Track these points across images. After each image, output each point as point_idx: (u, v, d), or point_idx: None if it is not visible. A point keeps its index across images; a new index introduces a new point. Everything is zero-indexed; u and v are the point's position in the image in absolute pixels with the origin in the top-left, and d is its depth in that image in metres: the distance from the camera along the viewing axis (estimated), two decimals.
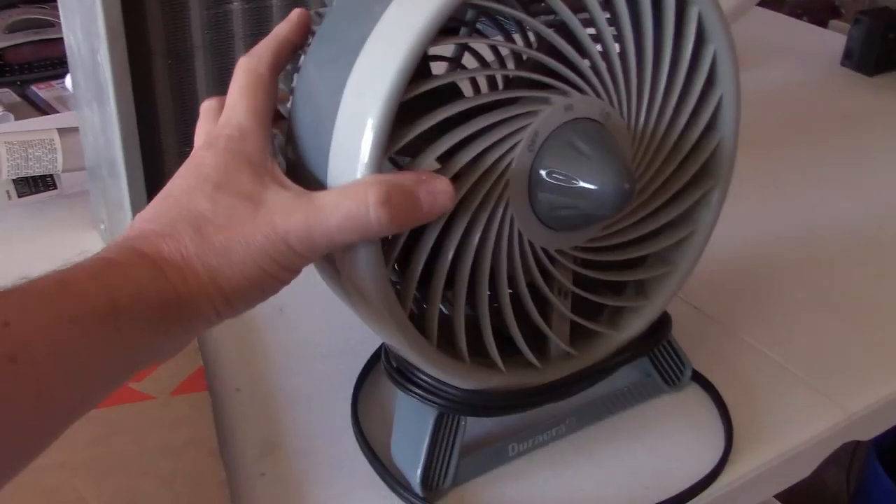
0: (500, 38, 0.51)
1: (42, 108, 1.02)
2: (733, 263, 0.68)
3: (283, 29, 0.41)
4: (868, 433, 0.57)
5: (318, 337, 0.58)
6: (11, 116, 0.97)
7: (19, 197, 0.71)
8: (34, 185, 0.71)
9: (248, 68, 0.39)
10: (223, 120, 0.38)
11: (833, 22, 1.63)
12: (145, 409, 0.51)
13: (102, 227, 0.66)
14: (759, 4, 1.22)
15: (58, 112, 1.01)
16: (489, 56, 0.51)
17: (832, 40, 1.15)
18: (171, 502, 0.45)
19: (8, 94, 1.05)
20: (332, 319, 0.59)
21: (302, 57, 0.42)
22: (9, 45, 1.08)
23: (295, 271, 0.37)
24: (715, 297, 0.64)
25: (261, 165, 0.37)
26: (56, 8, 1.18)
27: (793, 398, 0.55)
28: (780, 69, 1.07)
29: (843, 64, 1.08)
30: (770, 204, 0.77)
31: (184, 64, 0.58)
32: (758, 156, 0.84)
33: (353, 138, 0.37)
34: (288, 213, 0.35)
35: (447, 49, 0.50)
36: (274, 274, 0.35)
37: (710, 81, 0.46)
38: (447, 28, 0.38)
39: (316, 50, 0.40)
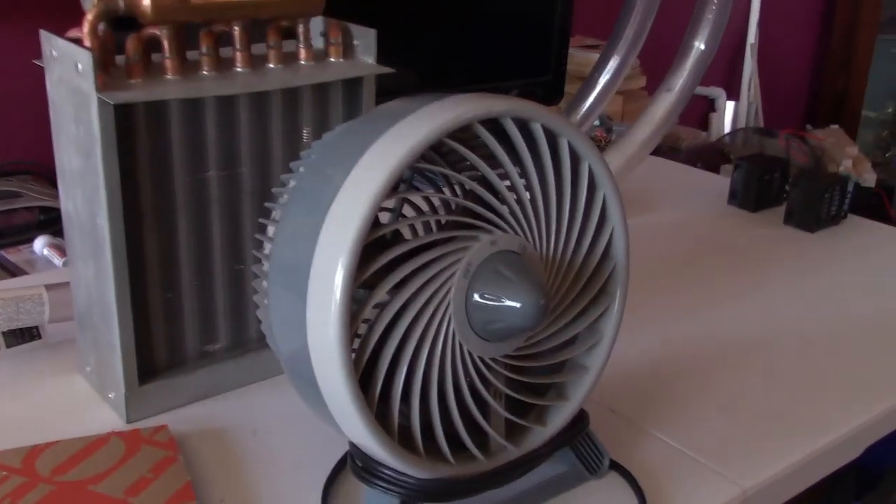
0: (432, 190, 0.63)
1: (11, 270, 1.11)
2: (641, 372, 0.79)
3: None
4: None
5: (290, 451, 0.67)
6: None
7: (7, 347, 0.78)
8: (21, 336, 0.79)
9: None
10: None
11: (724, 167, 1.83)
12: None
13: (88, 369, 0.74)
14: (659, 154, 1.39)
15: (26, 273, 1.09)
16: (423, 205, 0.63)
17: (721, 183, 1.31)
18: None
19: None
20: (301, 436, 0.68)
21: (278, 209, 0.53)
22: None
23: None
24: (627, 400, 0.74)
25: None
26: (22, 180, 1.28)
27: (697, 480, 0.65)
28: (677, 210, 1.22)
29: (729, 203, 1.24)
30: (670, 322, 0.90)
31: (168, 224, 0.68)
32: (659, 282, 0.98)
33: (328, 275, 0.47)
34: None
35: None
36: None
37: (602, 218, 0.58)
38: None
39: (291, 204, 0.52)
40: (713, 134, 2.47)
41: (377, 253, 0.50)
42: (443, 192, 0.62)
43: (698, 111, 2.60)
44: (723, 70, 2.65)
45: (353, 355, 0.49)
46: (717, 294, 0.96)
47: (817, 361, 0.83)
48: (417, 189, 0.62)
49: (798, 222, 1.15)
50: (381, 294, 0.50)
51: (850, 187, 1.17)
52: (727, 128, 2.55)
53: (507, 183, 0.54)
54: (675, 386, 0.78)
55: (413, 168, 0.56)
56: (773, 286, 0.99)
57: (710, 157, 1.85)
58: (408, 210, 0.63)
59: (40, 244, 1.14)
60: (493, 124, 0.53)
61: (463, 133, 0.52)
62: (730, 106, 2.59)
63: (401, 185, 0.62)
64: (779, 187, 1.22)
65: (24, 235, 1.19)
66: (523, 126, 0.54)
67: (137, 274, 0.68)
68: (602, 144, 1.68)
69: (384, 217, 0.59)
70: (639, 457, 0.67)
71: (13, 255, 1.14)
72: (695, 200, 1.26)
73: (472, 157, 0.52)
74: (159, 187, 0.67)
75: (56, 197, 0.70)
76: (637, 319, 0.84)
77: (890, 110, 3.25)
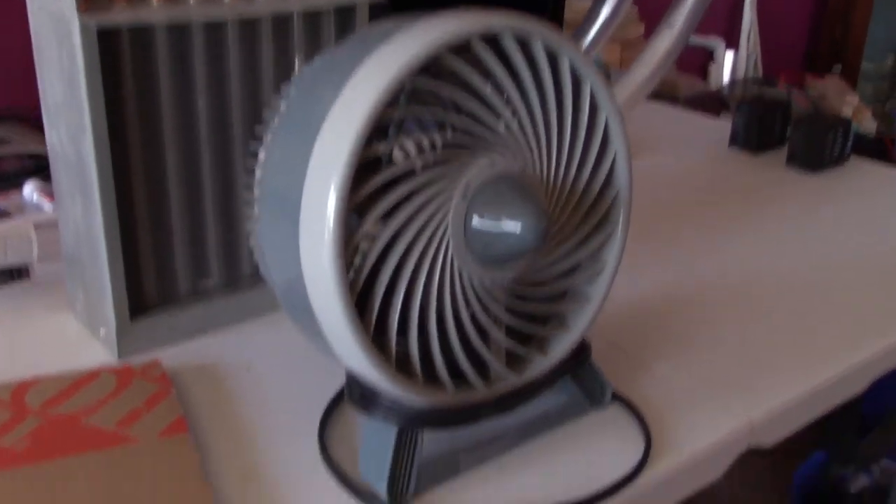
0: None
1: (3, 215, 1.09)
2: (643, 309, 0.78)
3: None
4: (770, 438, 0.65)
5: (285, 388, 0.65)
6: None
7: None
8: (9, 275, 0.78)
9: None
10: None
11: (724, 114, 1.81)
12: (137, 449, 0.57)
13: (78, 307, 0.73)
14: (657, 99, 1.37)
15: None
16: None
17: (721, 127, 1.29)
18: None
19: None
20: (296, 372, 0.66)
21: (268, 133, 0.51)
22: None
23: None
24: (630, 335, 0.73)
25: None
26: (9, 125, 1.26)
27: (702, 411, 0.64)
28: (677, 153, 1.20)
29: (730, 146, 1.22)
30: (673, 262, 0.88)
31: (156, 156, 0.66)
32: (660, 225, 0.96)
33: (320, 198, 0.46)
34: None
35: None
36: None
37: (604, 142, 0.57)
38: None
39: (281, 127, 0.50)
40: (712, 84, 2.44)
41: (372, 176, 0.48)
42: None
43: (697, 62, 2.57)
44: (722, 20, 2.62)
45: (349, 281, 0.48)
46: (719, 236, 0.95)
47: (821, 300, 0.82)
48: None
49: (800, 164, 1.14)
50: (375, 216, 0.48)
51: (853, 130, 1.15)
52: (726, 78, 2.53)
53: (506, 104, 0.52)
54: (678, 323, 0.77)
55: (408, 92, 0.54)
56: (775, 228, 0.98)
57: (709, 105, 1.83)
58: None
59: (29, 189, 1.11)
60: (492, 44, 0.51)
61: (460, 54, 0.50)
62: (729, 56, 2.56)
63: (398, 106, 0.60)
64: (780, 129, 1.20)
65: (13, 182, 1.17)
66: (523, 46, 0.52)
67: (126, 208, 0.66)
68: None
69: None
70: (642, 390, 0.66)
71: (1, 202, 1.12)
72: (695, 144, 1.24)
73: (470, 74, 0.50)
74: (146, 118, 0.65)
75: (46, 143, 0.68)
76: (639, 259, 0.82)
77: (889, 62, 3.22)
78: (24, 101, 1.28)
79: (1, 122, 1.25)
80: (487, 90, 0.50)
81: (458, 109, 0.51)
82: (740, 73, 2.57)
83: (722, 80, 2.48)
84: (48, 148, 0.69)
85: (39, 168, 1.19)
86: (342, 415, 0.61)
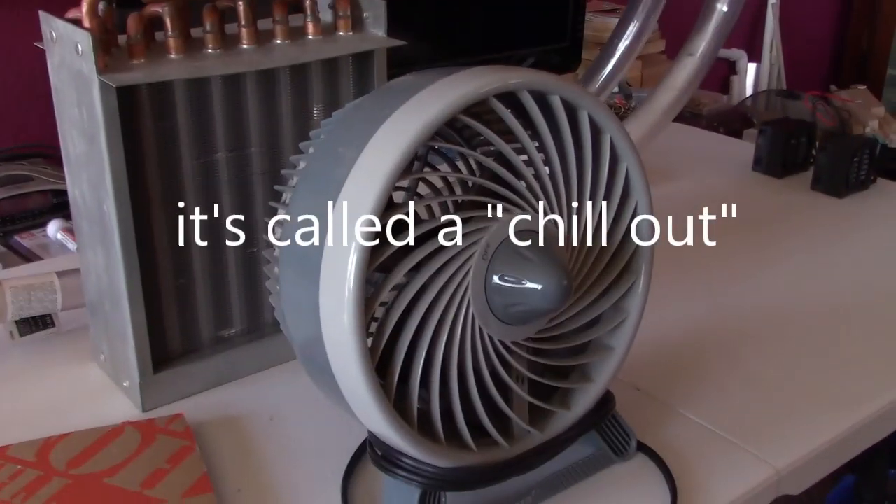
0: (447, 167, 0.61)
1: (26, 256, 1.10)
2: (667, 349, 0.77)
3: None
4: (797, 487, 0.64)
5: (308, 438, 0.65)
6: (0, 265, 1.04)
7: (21, 336, 0.77)
8: (34, 324, 0.78)
9: None
10: None
11: (747, 131, 1.79)
12: None
13: (102, 357, 0.73)
14: (680, 120, 1.36)
15: (41, 258, 1.08)
16: (439, 184, 0.60)
17: (745, 148, 1.28)
18: None
19: None
20: (319, 422, 0.66)
21: (287, 192, 0.51)
22: None
23: None
24: (653, 378, 0.72)
25: None
26: (33, 163, 1.27)
27: (728, 461, 0.63)
28: (700, 178, 1.19)
29: (754, 169, 1.20)
30: (695, 295, 0.87)
31: (177, 208, 0.66)
32: (683, 254, 0.95)
33: (341, 259, 0.45)
34: None
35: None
36: None
37: (625, 193, 0.56)
38: None
39: (301, 187, 0.49)
40: (735, 97, 2.42)
41: (393, 235, 0.47)
42: (459, 171, 0.60)
43: (719, 74, 2.55)
44: (744, 31, 2.60)
45: (370, 341, 0.48)
46: (743, 265, 0.94)
47: (848, 333, 0.81)
48: (433, 168, 0.60)
49: (826, 188, 1.12)
50: (397, 278, 0.48)
51: (879, 151, 1.13)
52: (749, 90, 2.50)
53: (525, 158, 0.52)
54: (702, 362, 0.76)
55: (427, 146, 0.54)
56: (801, 255, 0.96)
57: (732, 121, 1.82)
58: (423, 189, 0.61)
59: (53, 228, 1.13)
60: (510, 98, 0.50)
61: (478, 108, 0.49)
62: (751, 68, 2.54)
63: (415, 162, 0.60)
64: (805, 152, 1.19)
65: (38, 220, 1.18)
66: (541, 98, 0.51)
67: (148, 260, 0.66)
68: (621, 112, 1.65)
69: (398, 197, 0.57)
70: (666, 437, 0.65)
71: (27, 240, 1.13)
72: (718, 168, 1.23)
73: (488, 133, 0.49)
74: (167, 171, 0.65)
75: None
76: (661, 295, 0.81)
77: None
78: (48, 139, 1.30)
79: (25, 158, 1.27)
80: (506, 147, 0.50)
81: (479, 168, 0.50)
82: (763, 85, 2.55)
83: (745, 93, 2.46)
84: (70, 199, 0.69)
85: (63, 205, 1.21)
86: (366, 469, 0.61)
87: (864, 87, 2.50)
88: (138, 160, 0.64)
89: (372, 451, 0.54)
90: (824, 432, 0.66)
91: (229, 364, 0.71)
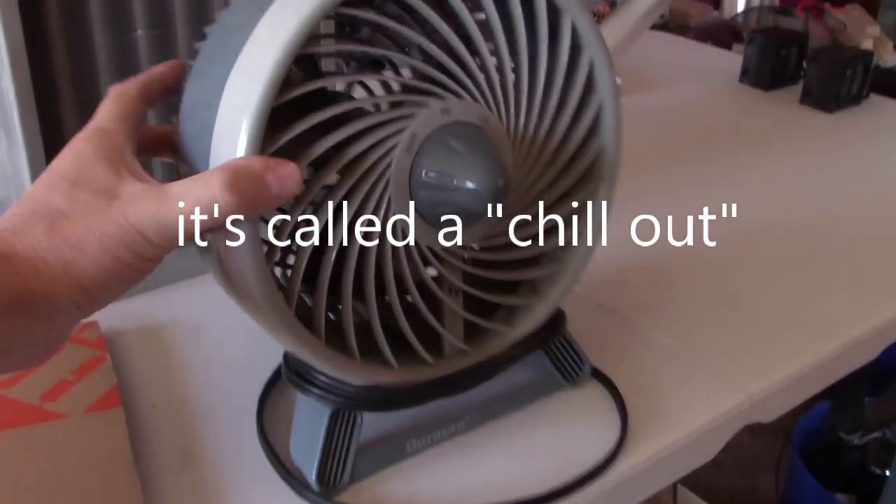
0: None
1: None
2: (636, 264, 0.71)
3: (157, 68, 0.44)
4: (769, 414, 0.59)
5: (230, 353, 0.60)
6: None
7: None
8: None
9: (116, 90, 0.42)
10: (87, 126, 0.40)
11: (736, 45, 1.71)
12: (60, 427, 0.51)
13: None
14: (667, 30, 1.27)
15: None
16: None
17: (733, 60, 1.20)
18: None
19: None
20: (246, 337, 0.60)
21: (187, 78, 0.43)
22: None
23: (153, 260, 0.37)
24: (622, 297, 0.66)
25: (118, 160, 0.38)
26: None
27: (696, 385, 0.58)
28: (682, 88, 1.12)
29: (741, 80, 1.13)
30: (671, 210, 0.80)
31: (89, 89, 0.59)
32: (662, 165, 0.88)
33: (230, 144, 0.38)
34: (140, 203, 0.36)
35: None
36: (131, 264, 0.36)
37: (588, 89, 0.49)
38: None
39: (196, 66, 0.42)
40: (726, 13, 2.31)
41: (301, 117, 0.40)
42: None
43: None
44: None
45: (266, 247, 0.41)
46: (723, 181, 0.87)
47: (832, 254, 0.75)
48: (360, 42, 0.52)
49: (815, 102, 1.05)
50: (302, 164, 0.41)
51: (873, 63, 1.06)
52: (741, 6, 2.40)
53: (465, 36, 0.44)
54: (678, 281, 0.70)
55: (344, 15, 0.46)
56: (785, 171, 0.90)
57: (721, 35, 1.73)
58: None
59: None
60: None
61: None
62: None
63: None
64: (795, 64, 1.12)
65: None
66: None
67: (55, 149, 0.59)
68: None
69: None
70: (631, 357, 0.60)
71: None
72: (703, 78, 1.16)
73: (423, 7, 0.42)
74: (75, 49, 0.58)
75: None
76: (633, 207, 0.75)
77: None
78: None
79: None
80: (444, 27, 0.43)
81: (408, 47, 0.43)
82: (755, 1, 2.44)
83: (736, 9, 2.35)
84: None
85: None
86: (286, 390, 0.55)
87: (859, 3, 2.39)
88: (41, 35, 0.56)
89: (286, 366, 0.48)
90: (803, 356, 0.61)
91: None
